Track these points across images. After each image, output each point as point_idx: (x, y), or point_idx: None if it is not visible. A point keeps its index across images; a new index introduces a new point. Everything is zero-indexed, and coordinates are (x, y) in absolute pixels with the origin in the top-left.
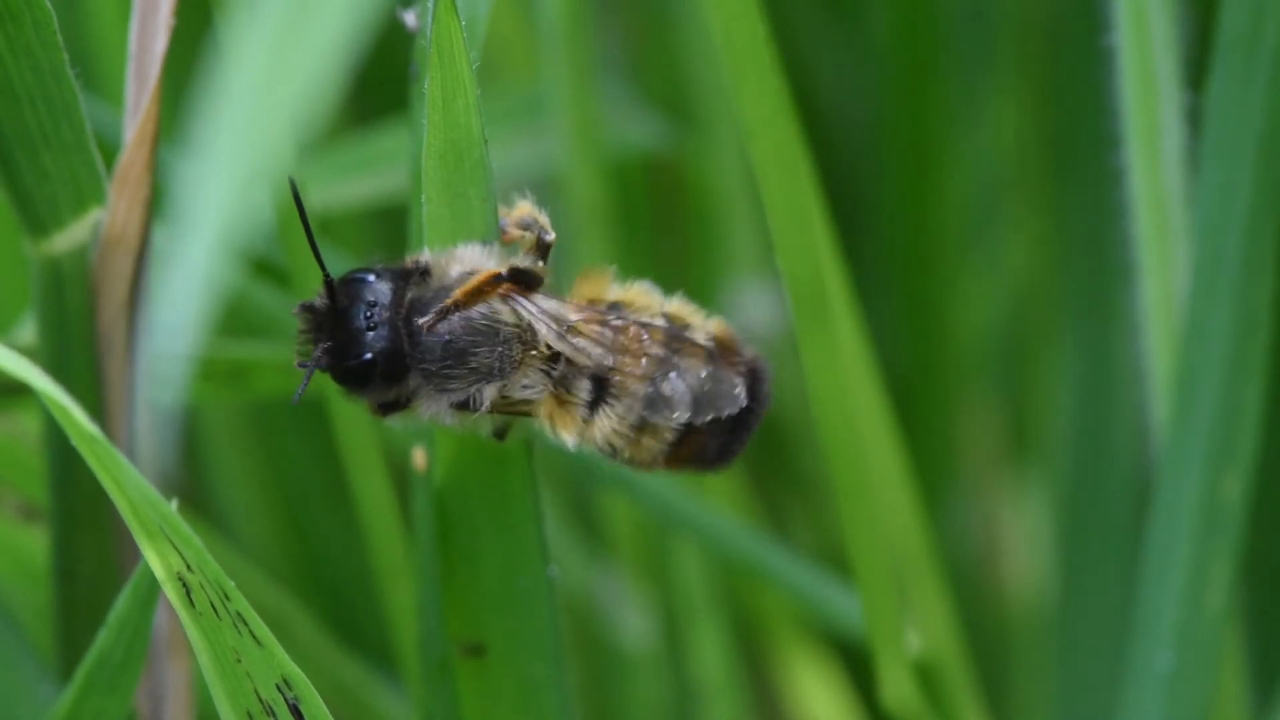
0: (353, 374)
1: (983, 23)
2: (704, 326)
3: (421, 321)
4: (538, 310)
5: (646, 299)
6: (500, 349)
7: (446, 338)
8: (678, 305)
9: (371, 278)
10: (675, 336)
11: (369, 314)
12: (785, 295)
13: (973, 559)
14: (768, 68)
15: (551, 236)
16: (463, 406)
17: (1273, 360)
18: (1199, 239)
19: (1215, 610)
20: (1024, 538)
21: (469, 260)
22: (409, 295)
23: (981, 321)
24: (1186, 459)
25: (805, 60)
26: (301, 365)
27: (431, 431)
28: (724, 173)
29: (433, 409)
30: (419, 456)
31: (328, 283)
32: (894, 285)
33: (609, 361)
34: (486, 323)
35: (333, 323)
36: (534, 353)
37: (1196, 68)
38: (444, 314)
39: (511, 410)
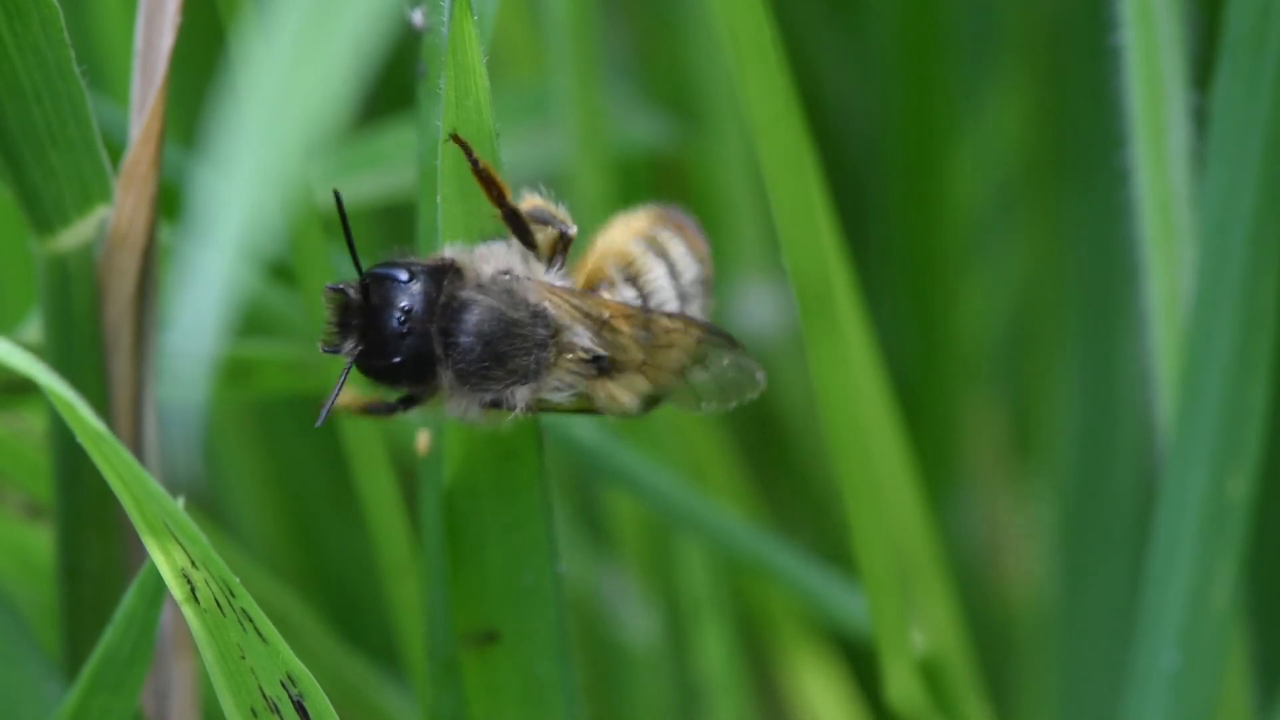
0: (379, 373)
1: (988, 21)
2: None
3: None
4: (574, 308)
5: (638, 251)
6: (537, 352)
7: (487, 340)
8: (649, 229)
9: (404, 277)
10: (705, 326)
11: (403, 318)
12: (791, 293)
13: (977, 557)
14: (774, 66)
15: (573, 230)
16: (494, 405)
17: (1278, 359)
18: (1204, 239)
19: (1220, 609)
20: (1028, 536)
21: (498, 258)
22: (443, 296)
23: (986, 320)
24: (1191, 458)
25: (811, 59)
26: (329, 351)
27: (440, 426)
28: (729, 171)
29: (461, 407)
30: (422, 440)
31: (363, 280)
32: (899, 284)
33: (643, 357)
34: (526, 326)
35: (365, 321)
36: (569, 356)
37: (1203, 67)
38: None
39: (544, 409)
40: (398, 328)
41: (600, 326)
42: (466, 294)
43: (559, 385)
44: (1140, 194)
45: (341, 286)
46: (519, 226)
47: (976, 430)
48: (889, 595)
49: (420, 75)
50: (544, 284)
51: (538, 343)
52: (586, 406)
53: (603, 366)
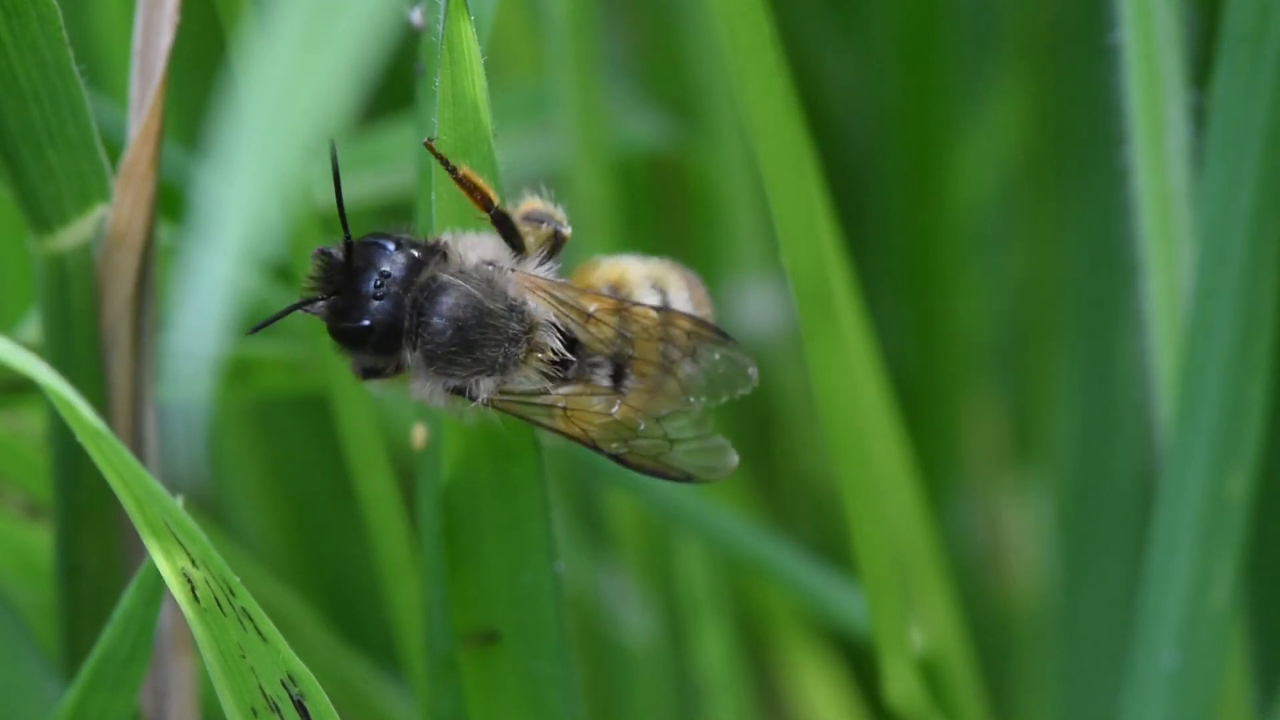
0: (346, 335)
1: (987, 20)
2: (687, 295)
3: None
4: (558, 301)
5: (636, 277)
6: (507, 346)
7: (459, 325)
8: (658, 270)
9: (391, 246)
10: (693, 319)
11: (380, 282)
12: (790, 293)
13: (977, 556)
14: (773, 66)
15: (568, 231)
16: (458, 393)
17: (1277, 358)
18: (1203, 236)
19: (1219, 608)
20: (1028, 535)
21: (486, 248)
22: (424, 274)
23: (986, 319)
24: (1190, 457)
25: (810, 58)
26: (302, 304)
27: (438, 425)
28: (728, 170)
29: (426, 390)
30: (419, 434)
31: (348, 242)
32: (898, 283)
33: (630, 351)
34: (500, 318)
35: (342, 280)
36: (538, 355)
37: (1201, 65)
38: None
39: (511, 411)
40: (372, 291)
41: (585, 320)
42: (447, 277)
43: (525, 383)
44: (1139, 192)
45: (329, 249)
46: (507, 229)
47: (976, 430)
48: (889, 595)
49: (419, 74)
50: (527, 276)
51: (509, 337)
52: (560, 427)
53: (567, 376)
